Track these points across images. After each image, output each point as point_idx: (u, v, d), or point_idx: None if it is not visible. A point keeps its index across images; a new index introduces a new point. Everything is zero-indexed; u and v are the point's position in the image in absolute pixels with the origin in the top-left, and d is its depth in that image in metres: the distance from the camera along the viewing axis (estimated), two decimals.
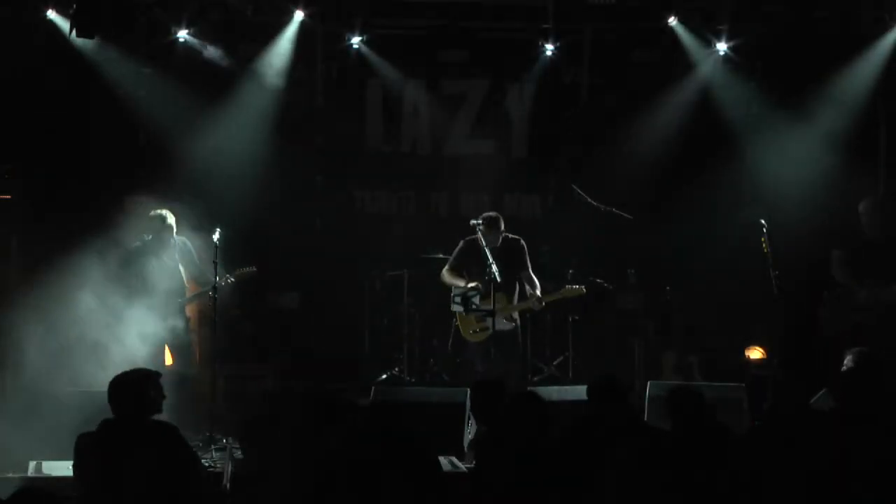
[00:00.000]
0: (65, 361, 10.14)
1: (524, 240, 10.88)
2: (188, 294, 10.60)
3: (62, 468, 8.76)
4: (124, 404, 6.43)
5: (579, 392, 9.34)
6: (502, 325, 10.70)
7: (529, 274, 10.85)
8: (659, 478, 6.04)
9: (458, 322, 10.92)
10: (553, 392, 9.40)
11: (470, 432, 9.07)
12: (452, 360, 11.28)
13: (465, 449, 8.95)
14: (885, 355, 8.54)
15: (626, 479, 5.99)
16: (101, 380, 9.63)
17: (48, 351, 10.31)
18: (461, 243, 10.94)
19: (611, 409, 6.79)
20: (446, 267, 10.99)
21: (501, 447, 6.25)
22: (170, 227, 10.40)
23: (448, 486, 6.29)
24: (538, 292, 10.75)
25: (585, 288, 11.09)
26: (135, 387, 6.46)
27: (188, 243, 10.57)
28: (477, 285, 10.63)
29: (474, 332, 10.85)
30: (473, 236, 10.78)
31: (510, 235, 10.83)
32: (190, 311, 10.75)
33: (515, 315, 10.80)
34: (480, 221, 10.74)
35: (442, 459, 7.50)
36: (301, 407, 6.72)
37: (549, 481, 5.96)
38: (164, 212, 10.42)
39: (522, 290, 10.79)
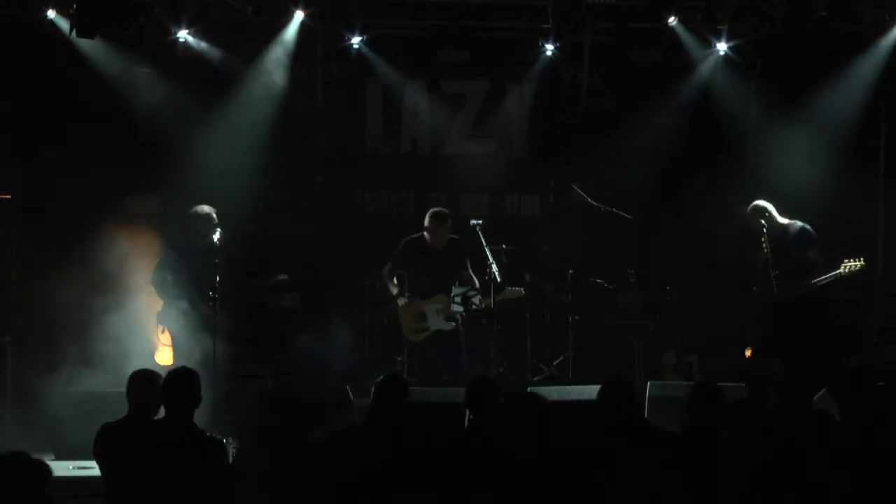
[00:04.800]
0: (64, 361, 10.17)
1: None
2: None
3: (62, 468, 8.78)
4: (175, 399, 6.26)
5: (580, 392, 9.40)
6: (443, 325, 10.70)
7: (469, 274, 10.84)
8: (666, 480, 6.02)
9: (400, 321, 10.93)
10: (553, 392, 9.40)
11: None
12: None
13: None
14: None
15: (635, 483, 5.96)
16: (101, 379, 9.78)
17: (47, 350, 10.33)
18: (403, 242, 10.94)
19: (624, 413, 6.43)
20: (388, 266, 10.99)
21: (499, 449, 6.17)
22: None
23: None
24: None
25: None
26: (192, 382, 6.32)
27: None
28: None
29: (415, 332, 10.85)
30: (416, 234, 10.78)
31: (452, 235, 10.82)
32: None
33: (456, 316, 10.78)
34: (480, 222, 10.73)
35: None
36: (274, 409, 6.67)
37: (553, 485, 5.90)
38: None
39: None
